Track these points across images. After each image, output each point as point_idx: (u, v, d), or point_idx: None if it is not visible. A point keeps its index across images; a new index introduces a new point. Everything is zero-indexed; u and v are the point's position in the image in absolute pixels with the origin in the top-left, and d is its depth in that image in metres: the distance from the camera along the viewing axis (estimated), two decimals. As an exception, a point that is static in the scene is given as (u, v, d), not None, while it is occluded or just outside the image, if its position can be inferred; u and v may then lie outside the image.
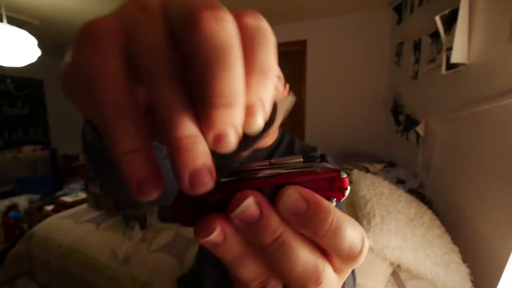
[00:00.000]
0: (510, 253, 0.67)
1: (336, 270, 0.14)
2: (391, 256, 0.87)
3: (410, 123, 1.63)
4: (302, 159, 0.15)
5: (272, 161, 0.15)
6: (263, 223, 0.12)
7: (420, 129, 1.44)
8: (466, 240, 0.97)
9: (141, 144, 0.11)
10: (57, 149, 3.73)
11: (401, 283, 0.87)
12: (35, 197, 2.60)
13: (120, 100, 0.11)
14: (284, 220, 0.13)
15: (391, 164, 1.96)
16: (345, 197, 0.14)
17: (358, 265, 0.13)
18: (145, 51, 0.11)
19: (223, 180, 0.13)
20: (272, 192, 0.13)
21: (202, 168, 0.10)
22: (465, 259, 0.89)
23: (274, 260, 0.12)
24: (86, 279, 1.17)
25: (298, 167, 0.14)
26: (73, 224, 1.44)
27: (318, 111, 2.78)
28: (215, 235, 0.12)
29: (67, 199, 2.04)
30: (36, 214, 2.07)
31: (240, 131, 0.11)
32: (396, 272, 0.92)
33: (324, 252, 0.13)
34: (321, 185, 0.13)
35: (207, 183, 0.11)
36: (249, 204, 0.12)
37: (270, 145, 0.68)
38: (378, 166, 1.81)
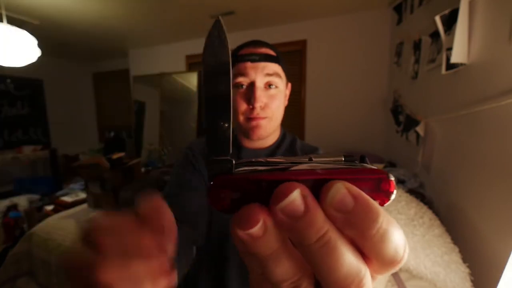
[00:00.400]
0: (510, 253, 0.67)
1: (372, 275, 0.13)
2: (391, 256, 0.87)
3: (410, 123, 1.62)
4: (343, 158, 0.14)
5: (312, 157, 0.14)
6: (309, 218, 0.11)
7: (420, 129, 1.44)
8: (466, 240, 0.97)
9: None
10: (57, 149, 3.72)
11: (401, 283, 0.87)
12: (35, 197, 2.60)
13: None
14: (329, 217, 0.12)
15: (391, 164, 1.96)
16: (389, 202, 0.13)
17: (394, 271, 0.13)
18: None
19: (260, 168, 0.12)
20: (315, 187, 0.12)
21: None
22: (465, 259, 0.89)
23: (316, 260, 0.11)
24: (86, 279, 1.17)
25: (341, 166, 0.13)
26: (73, 224, 1.44)
27: (318, 111, 2.78)
28: (258, 228, 0.11)
29: (67, 199, 2.04)
30: (36, 214, 2.07)
31: None
32: (396, 272, 0.92)
33: (364, 256, 0.12)
34: (367, 186, 0.12)
35: None
36: (296, 197, 0.11)
37: (271, 145, 0.67)
38: (378, 166, 1.81)
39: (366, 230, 0.11)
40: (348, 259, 0.11)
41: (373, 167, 0.13)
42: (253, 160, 0.14)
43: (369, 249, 0.12)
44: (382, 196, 0.12)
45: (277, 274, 0.12)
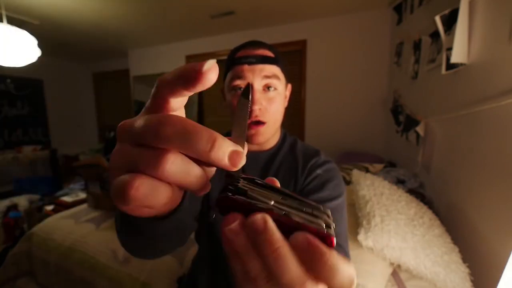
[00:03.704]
0: (510, 253, 0.67)
1: None
2: (391, 256, 0.87)
3: (410, 123, 1.63)
4: (310, 206, 0.19)
5: (289, 193, 0.19)
6: (267, 235, 0.15)
7: (420, 129, 1.44)
8: (466, 240, 0.97)
9: None
10: (57, 149, 3.73)
11: (401, 283, 0.87)
12: (35, 197, 2.60)
13: None
14: (295, 250, 0.16)
15: (391, 164, 1.96)
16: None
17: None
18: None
19: (252, 195, 0.17)
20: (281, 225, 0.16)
21: None
22: (465, 259, 0.89)
23: (270, 266, 0.15)
24: (86, 279, 1.17)
25: (303, 212, 0.17)
26: (73, 224, 1.44)
27: (318, 111, 2.78)
28: (235, 224, 0.16)
29: (67, 199, 2.04)
30: (36, 214, 2.07)
31: None
32: (396, 272, 0.92)
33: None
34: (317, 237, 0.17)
35: None
36: (259, 218, 0.16)
37: (272, 148, 0.66)
38: (378, 166, 1.81)
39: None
40: (294, 270, 0.15)
41: (328, 220, 0.18)
42: (255, 179, 0.19)
43: (323, 278, 0.15)
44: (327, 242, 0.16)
45: (249, 267, 0.16)
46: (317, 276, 0.15)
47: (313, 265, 0.15)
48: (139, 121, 0.16)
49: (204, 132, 0.15)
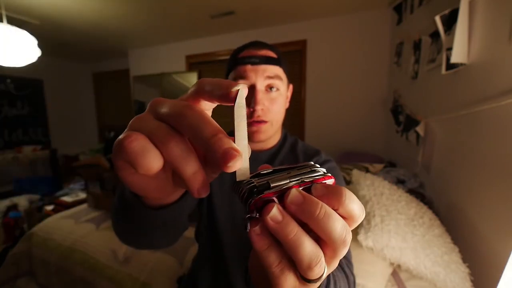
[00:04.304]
0: (510, 253, 0.67)
1: (329, 260, 0.19)
2: (391, 256, 0.87)
3: (410, 123, 1.63)
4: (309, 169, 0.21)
5: (287, 167, 0.21)
6: (285, 222, 0.17)
7: (420, 129, 1.44)
8: (466, 240, 0.97)
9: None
10: (57, 149, 3.73)
11: (401, 283, 0.87)
12: (35, 197, 2.60)
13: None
14: (291, 212, 0.18)
15: (391, 164, 1.95)
16: (329, 180, 0.20)
17: (343, 254, 0.19)
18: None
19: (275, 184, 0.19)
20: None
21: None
22: (465, 259, 0.89)
23: (291, 249, 0.17)
24: (86, 279, 1.17)
25: (306, 174, 0.20)
26: (73, 224, 1.44)
27: (318, 111, 2.78)
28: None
29: (67, 199, 2.04)
30: (36, 214, 2.07)
31: None
32: (396, 272, 0.92)
33: (321, 243, 0.18)
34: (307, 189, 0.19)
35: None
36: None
37: (272, 147, 0.67)
38: (378, 166, 1.81)
39: (313, 212, 0.17)
40: (310, 246, 0.17)
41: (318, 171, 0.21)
42: (260, 172, 0.20)
43: (320, 229, 0.17)
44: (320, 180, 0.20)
45: (304, 253, 0.17)
46: (341, 212, 0.18)
47: (336, 202, 0.18)
48: (168, 104, 0.19)
49: (211, 125, 0.17)
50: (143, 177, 0.20)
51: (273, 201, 0.18)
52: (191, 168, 0.17)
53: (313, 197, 0.18)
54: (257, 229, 0.18)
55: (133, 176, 0.20)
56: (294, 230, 0.17)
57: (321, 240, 0.18)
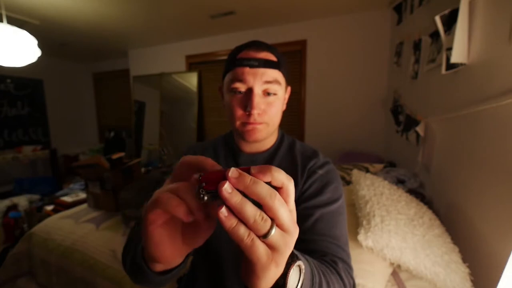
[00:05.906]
0: (510, 253, 0.66)
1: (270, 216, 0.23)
2: (391, 256, 0.87)
3: (410, 123, 1.63)
4: None
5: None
6: (234, 192, 0.22)
7: (420, 129, 1.44)
8: (466, 240, 0.97)
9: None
10: (57, 149, 3.73)
11: (401, 283, 0.87)
12: (35, 197, 2.60)
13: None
14: (231, 183, 0.22)
15: (391, 164, 1.96)
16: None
17: (279, 212, 0.22)
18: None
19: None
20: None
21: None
22: (465, 259, 0.89)
23: (238, 210, 0.22)
24: (86, 279, 1.17)
25: None
26: (73, 224, 1.44)
27: (318, 111, 2.78)
28: (227, 185, 0.22)
29: (67, 199, 2.04)
30: (36, 214, 2.07)
31: None
32: (396, 272, 0.92)
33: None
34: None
35: None
36: (227, 186, 0.22)
37: (269, 148, 0.66)
38: (378, 166, 1.81)
39: (246, 182, 0.22)
40: (251, 207, 0.22)
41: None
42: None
43: (252, 193, 0.22)
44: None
45: (247, 212, 0.22)
46: (273, 183, 0.24)
47: (267, 176, 0.23)
48: (164, 188, 0.27)
49: (176, 203, 0.24)
50: (163, 230, 0.28)
51: (225, 179, 0.23)
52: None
53: (243, 172, 0.23)
54: (223, 210, 0.22)
55: (156, 229, 0.27)
56: (239, 198, 0.22)
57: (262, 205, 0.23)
